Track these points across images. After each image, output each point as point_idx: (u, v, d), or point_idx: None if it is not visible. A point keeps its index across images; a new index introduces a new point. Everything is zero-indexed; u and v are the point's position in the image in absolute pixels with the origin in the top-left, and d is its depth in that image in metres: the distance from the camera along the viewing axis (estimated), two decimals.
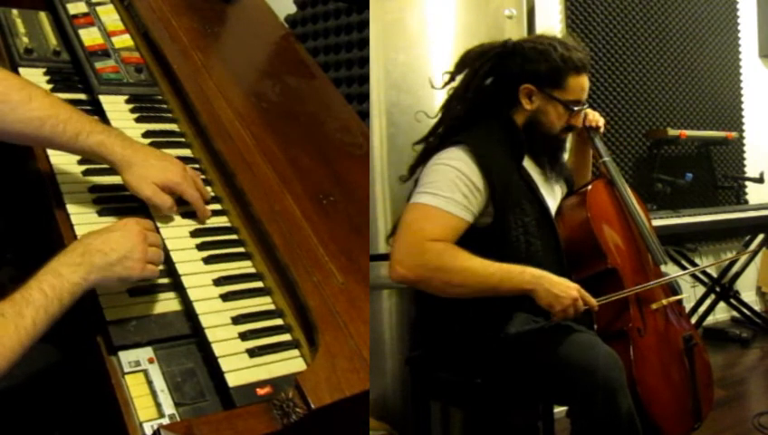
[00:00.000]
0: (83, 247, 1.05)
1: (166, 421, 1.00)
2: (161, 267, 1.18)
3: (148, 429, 0.98)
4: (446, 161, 1.47)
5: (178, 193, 1.28)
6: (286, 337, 1.16)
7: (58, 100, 1.25)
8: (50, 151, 1.35)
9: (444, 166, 1.46)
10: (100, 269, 1.04)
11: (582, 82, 1.55)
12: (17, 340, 0.92)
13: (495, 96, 1.58)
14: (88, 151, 1.24)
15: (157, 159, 1.27)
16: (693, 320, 3.04)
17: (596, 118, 1.69)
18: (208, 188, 1.40)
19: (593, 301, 1.43)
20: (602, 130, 1.72)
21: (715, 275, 3.29)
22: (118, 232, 1.10)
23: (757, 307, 3.62)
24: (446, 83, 1.62)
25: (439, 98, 1.71)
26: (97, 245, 1.06)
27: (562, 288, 1.41)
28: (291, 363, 1.12)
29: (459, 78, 1.60)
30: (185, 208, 1.32)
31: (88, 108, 1.54)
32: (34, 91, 1.22)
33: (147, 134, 1.47)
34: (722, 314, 3.59)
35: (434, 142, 1.58)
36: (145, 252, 1.11)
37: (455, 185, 1.43)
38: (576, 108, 1.55)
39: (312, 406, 0.97)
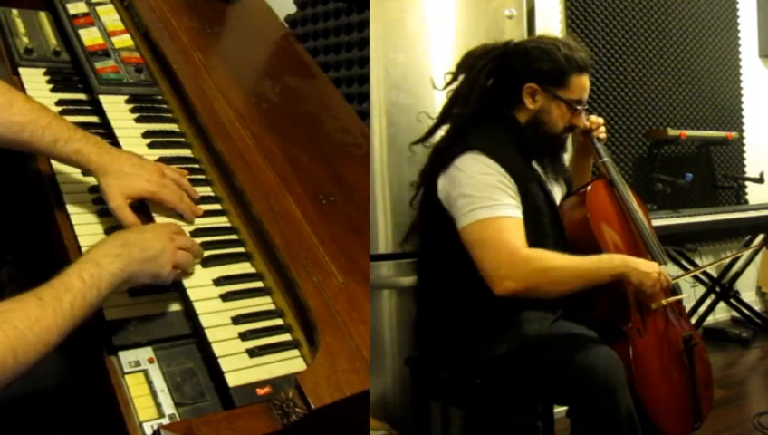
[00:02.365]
0: (122, 240, 1.09)
1: (166, 421, 1.00)
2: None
3: (148, 429, 0.98)
4: (479, 169, 1.46)
5: (156, 201, 1.29)
6: (286, 337, 1.16)
7: (39, 106, 1.27)
8: None
9: (480, 176, 1.46)
10: (138, 262, 1.08)
11: (584, 82, 1.57)
12: (54, 322, 0.94)
13: (498, 96, 1.58)
14: (65, 158, 1.26)
15: (132, 168, 1.27)
16: (693, 320, 3.04)
17: (596, 121, 1.70)
18: (207, 188, 1.40)
19: (669, 279, 1.51)
20: (605, 136, 1.71)
21: (715, 275, 3.29)
22: (150, 232, 1.15)
23: (757, 307, 3.61)
24: (448, 84, 1.62)
25: (439, 98, 1.72)
26: (134, 239, 1.11)
27: (646, 265, 1.46)
28: (291, 363, 1.12)
29: (460, 78, 1.60)
30: None
31: (88, 108, 1.55)
32: (16, 96, 1.24)
33: (147, 134, 1.47)
34: (722, 314, 3.58)
35: (443, 143, 1.59)
36: (174, 254, 1.15)
37: (501, 190, 1.44)
38: (579, 107, 1.57)
39: (312, 406, 0.97)
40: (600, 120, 1.70)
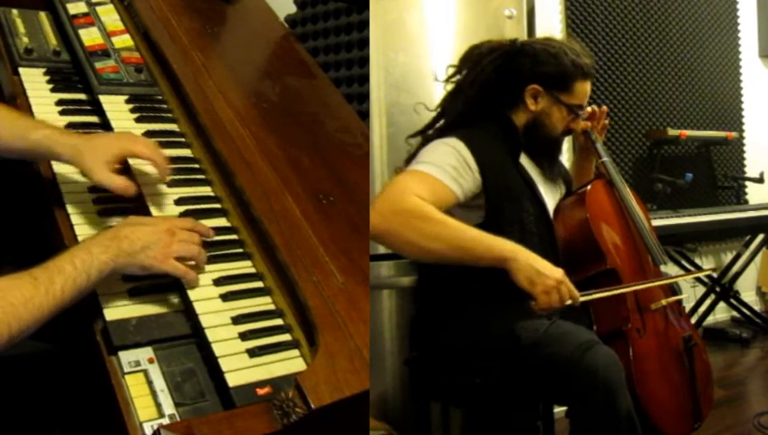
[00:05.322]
0: (114, 233, 1.13)
1: (166, 421, 1.00)
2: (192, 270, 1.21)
3: (148, 429, 0.98)
4: (440, 140, 1.50)
5: (132, 155, 1.30)
6: (286, 337, 1.16)
7: (8, 106, 1.31)
8: None
9: (436, 144, 1.49)
10: (126, 254, 1.11)
11: (587, 88, 1.58)
12: (45, 302, 0.99)
13: (498, 94, 1.58)
14: (36, 145, 1.27)
15: (100, 138, 1.31)
16: (693, 320, 3.04)
17: (603, 121, 1.70)
18: (207, 188, 1.40)
19: (577, 293, 1.36)
20: (606, 126, 1.72)
21: (714, 275, 3.29)
22: (147, 225, 1.18)
23: (757, 307, 3.62)
24: (450, 77, 1.62)
25: (439, 95, 1.71)
26: (126, 232, 1.14)
27: (546, 265, 1.33)
28: (291, 363, 1.12)
29: (463, 73, 1.60)
30: (185, 208, 1.33)
31: (88, 108, 1.55)
32: None
33: (147, 134, 1.47)
34: (722, 314, 3.59)
35: (432, 135, 1.59)
36: (168, 246, 1.16)
37: (445, 156, 1.45)
38: (579, 112, 1.58)
39: (312, 406, 0.97)
40: (606, 121, 1.70)
